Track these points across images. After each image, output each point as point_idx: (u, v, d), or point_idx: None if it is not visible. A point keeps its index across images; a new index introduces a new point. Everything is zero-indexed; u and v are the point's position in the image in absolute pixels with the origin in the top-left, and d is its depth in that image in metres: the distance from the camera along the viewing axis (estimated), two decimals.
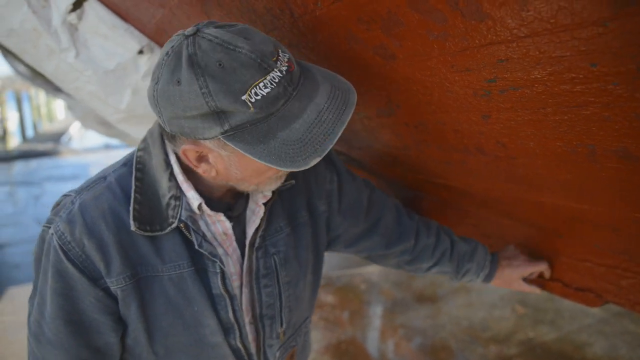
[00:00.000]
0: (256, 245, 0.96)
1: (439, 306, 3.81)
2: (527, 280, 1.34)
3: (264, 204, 0.95)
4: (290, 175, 0.99)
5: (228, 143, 0.73)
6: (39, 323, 0.88)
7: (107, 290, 0.85)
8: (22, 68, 4.01)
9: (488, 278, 1.33)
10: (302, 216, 1.05)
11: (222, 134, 0.72)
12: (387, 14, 0.70)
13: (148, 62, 1.40)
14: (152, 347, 0.92)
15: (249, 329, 1.00)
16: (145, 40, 1.37)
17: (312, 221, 1.08)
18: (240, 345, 0.98)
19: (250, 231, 0.96)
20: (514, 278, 1.32)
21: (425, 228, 1.26)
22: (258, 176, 0.84)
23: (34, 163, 10.08)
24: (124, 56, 1.37)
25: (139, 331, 0.89)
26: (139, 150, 0.90)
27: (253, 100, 0.69)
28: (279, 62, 0.71)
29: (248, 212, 0.97)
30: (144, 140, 0.91)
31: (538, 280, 1.35)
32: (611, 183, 0.81)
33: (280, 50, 0.73)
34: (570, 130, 0.74)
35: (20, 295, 4.02)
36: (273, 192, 0.96)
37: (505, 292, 3.97)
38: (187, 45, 0.70)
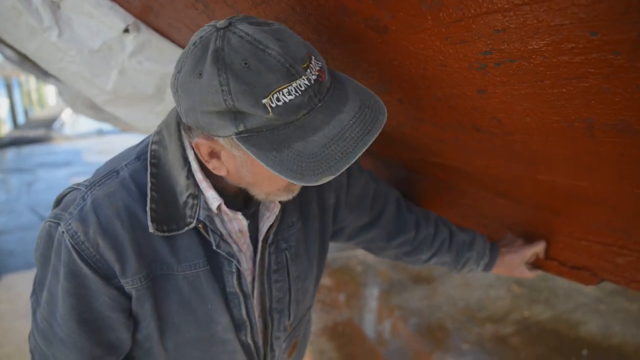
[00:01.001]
0: (269, 241, 0.95)
1: (435, 287, 3.84)
2: (528, 263, 1.34)
3: (279, 201, 0.93)
4: None
5: (240, 144, 0.69)
6: (49, 323, 0.85)
7: (121, 289, 0.83)
8: (9, 52, 3.93)
9: (488, 266, 1.32)
10: (312, 210, 1.04)
11: (236, 134, 0.68)
12: None
13: (134, 41, 1.35)
14: (162, 343, 0.91)
15: (257, 323, 1.00)
16: (130, 19, 1.33)
17: (320, 214, 1.07)
18: (250, 341, 0.98)
19: (263, 227, 0.94)
20: (515, 264, 1.31)
21: (425, 219, 1.26)
22: (269, 184, 0.81)
23: (26, 150, 10.00)
24: (109, 35, 1.32)
25: (151, 328, 0.88)
26: (153, 143, 0.85)
27: (274, 105, 0.65)
28: (309, 70, 0.68)
29: (262, 208, 0.95)
30: (159, 132, 0.87)
31: (535, 261, 1.35)
32: (610, 158, 0.79)
33: (313, 57, 0.69)
34: (568, 104, 0.71)
35: (16, 282, 4.02)
36: None
37: None
38: (216, 39, 0.67)
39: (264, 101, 0.65)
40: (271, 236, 0.95)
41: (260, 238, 0.94)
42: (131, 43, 1.36)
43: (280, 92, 0.65)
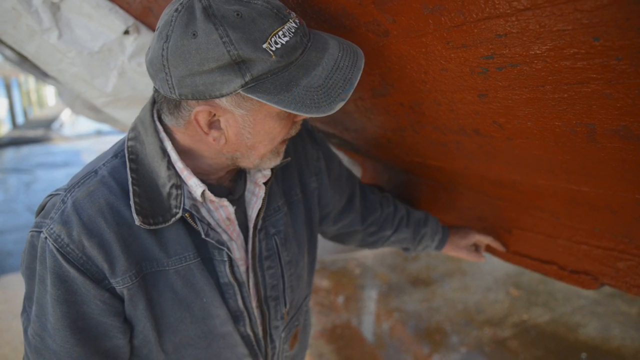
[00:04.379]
0: (258, 227, 0.94)
1: (434, 289, 3.83)
2: (476, 246, 1.50)
3: (264, 183, 0.93)
4: (286, 153, 0.98)
5: (250, 95, 0.70)
6: (41, 337, 0.82)
7: (112, 291, 0.81)
8: (8, 52, 3.92)
9: (442, 243, 1.43)
10: (296, 194, 1.05)
11: (243, 86, 0.69)
12: None
13: (134, 43, 1.35)
14: (161, 345, 0.88)
15: (256, 314, 0.99)
16: (130, 20, 1.32)
17: (304, 199, 1.08)
18: (250, 332, 0.97)
19: (252, 213, 0.93)
20: (463, 245, 1.45)
21: (385, 199, 1.34)
22: (269, 141, 0.82)
23: (24, 150, 9.98)
24: (109, 37, 1.32)
25: (147, 330, 0.86)
26: (129, 139, 0.84)
27: (274, 48, 0.68)
28: (291, 15, 0.73)
29: (247, 194, 0.94)
30: (134, 129, 0.86)
31: (500, 253, 1.45)
32: (612, 164, 0.79)
33: (288, 8, 0.75)
34: (569, 109, 0.71)
35: (13, 283, 4.00)
36: (272, 171, 0.94)
37: (499, 275, 3.99)
38: None
39: (264, 46, 0.68)
40: (260, 222, 0.94)
41: (251, 225, 0.94)
42: (131, 45, 1.36)
43: (276, 36, 0.69)
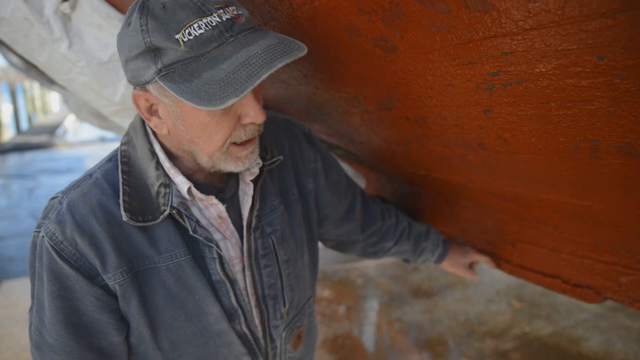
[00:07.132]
0: (253, 225, 0.96)
1: (436, 301, 3.82)
2: (471, 266, 1.53)
3: (253, 181, 0.95)
4: (278, 151, 1.01)
5: (161, 83, 0.73)
6: (40, 331, 0.86)
7: (105, 288, 0.84)
8: (15, 59, 3.95)
9: (441, 258, 1.46)
10: (293, 194, 1.07)
11: (157, 73, 0.73)
12: (389, 4, 0.68)
13: None
14: (156, 342, 0.90)
15: (254, 313, 1.00)
16: None
17: (302, 199, 1.10)
18: (246, 330, 0.97)
19: (245, 212, 0.95)
20: (461, 263, 1.49)
21: (387, 210, 1.35)
22: (207, 138, 0.81)
23: (28, 156, 10.02)
24: None
25: (142, 327, 0.88)
26: (122, 144, 0.90)
27: (185, 39, 0.71)
28: (222, 10, 0.73)
29: (240, 193, 0.96)
30: (127, 134, 0.91)
31: (504, 266, 1.47)
32: (615, 180, 0.80)
33: (232, 5, 0.75)
34: (574, 126, 0.72)
35: (15, 288, 4.01)
36: (261, 170, 0.96)
37: (501, 287, 3.98)
38: None
39: (177, 36, 0.70)
40: (254, 220, 0.96)
41: (244, 223, 0.95)
42: None
43: (191, 27, 0.71)
